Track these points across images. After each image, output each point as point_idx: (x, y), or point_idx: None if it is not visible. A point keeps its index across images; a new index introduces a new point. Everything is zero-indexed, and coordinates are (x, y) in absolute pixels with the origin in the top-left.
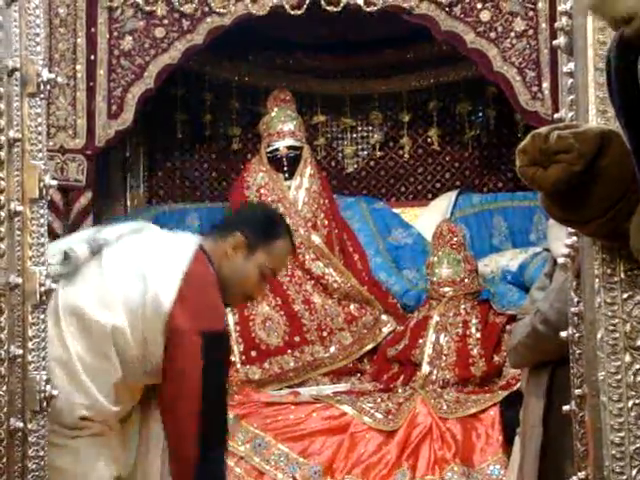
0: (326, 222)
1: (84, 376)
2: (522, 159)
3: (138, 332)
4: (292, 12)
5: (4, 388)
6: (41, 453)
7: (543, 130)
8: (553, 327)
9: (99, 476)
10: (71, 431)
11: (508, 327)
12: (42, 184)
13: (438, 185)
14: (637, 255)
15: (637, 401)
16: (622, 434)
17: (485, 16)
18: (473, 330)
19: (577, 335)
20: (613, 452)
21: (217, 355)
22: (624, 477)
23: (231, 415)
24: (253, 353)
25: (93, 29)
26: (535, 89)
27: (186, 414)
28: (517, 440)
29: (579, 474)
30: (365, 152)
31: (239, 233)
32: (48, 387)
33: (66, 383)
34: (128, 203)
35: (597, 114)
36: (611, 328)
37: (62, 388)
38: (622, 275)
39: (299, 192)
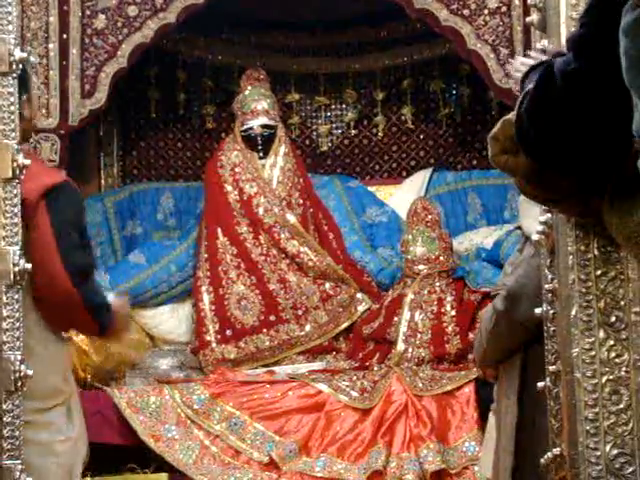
0: (301, 201)
1: None
2: (493, 147)
3: None
4: None
5: None
6: (16, 433)
7: (512, 116)
8: (516, 302)
9: None
10: None
11: (483, 306)
12: (15, 164)
13: (412, 163)
14: (611, 231)
15: (611, 377)
16: (596, 410)
17: None
18: (448, 308)
19: (551, 312)
20: (587, 428)
21: None
22: (598, 453)
23: (207, 394)
24: (228, 332)
25: (65, 7)
26: (508, 67)
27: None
28: (491, 416)
29: (554, 450)
30: (339, 130)
31: None
32: (23, 367)
33: None
34: (102, 182)
35: None
36: (585, 305)
37: None
38: (596, 252)
39: (273, 171)
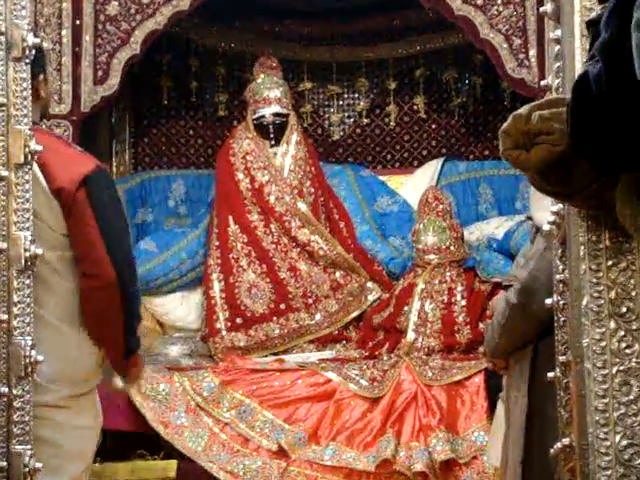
0: (312, 189)
1: None
2: (504, 142)
3: None
4: None
5: None
6: (26, 418)
7: (524, 110)
8: (530, 295)
9: None
10: None
11: (493, 296)
12: (27, 149)
13: (424, 153)
14: (623, 222)
15: (621, 368)
16: (606, 400)
17: None
18: (458, 297)
19: (562, 302)
20: (597, 418)
21: None
22: (608, 443)
23: (216, 381)
24: (238, 320)
25: None
26: (522, 56)
27: None
28: (499, 405)
29: (563, 440)
30: (351, 119)
31: None
32: (33, 352)
33: None
34: (114, 169)
35: None
36: (596, 295)
37: None
38: (607, 242)
39: (285, 159)
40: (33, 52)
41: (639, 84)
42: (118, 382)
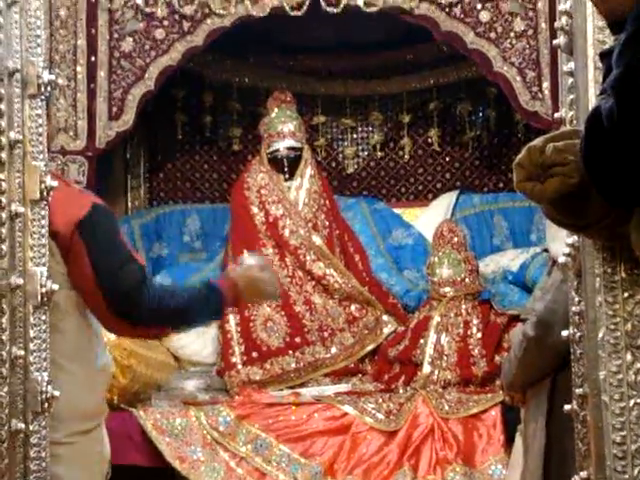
0: (327, 223)
1: None
2: (519, 174)
3: None
4: (292, 13)
5: (5, 389)
6: (42, 454)
7: (538, 142)
8: (548, 328)
9: None
10: None
11: (509, 329)
12: (43, 185)
13: (439, 185)
14: (639, 254)
15: (638, 400)
16: (624, 433)
17: (485, 16)
18: (474, 330)
19: (578, 334)
20: (615, 451)
21: None
22: (626, 476)
23: (232, 415)
24: (254, 354)
25: (93, 30)
26: (535, 89)
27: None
28: (518, 438)
29: (581, 473)
30: (365, 153)
31: None
32: (49, 388)
33: None
34: (129, 204)
35: None
36: (612, 327)
37: None
38: (623, 274)
39: (299, 193)
40: (49, 89)
41: None
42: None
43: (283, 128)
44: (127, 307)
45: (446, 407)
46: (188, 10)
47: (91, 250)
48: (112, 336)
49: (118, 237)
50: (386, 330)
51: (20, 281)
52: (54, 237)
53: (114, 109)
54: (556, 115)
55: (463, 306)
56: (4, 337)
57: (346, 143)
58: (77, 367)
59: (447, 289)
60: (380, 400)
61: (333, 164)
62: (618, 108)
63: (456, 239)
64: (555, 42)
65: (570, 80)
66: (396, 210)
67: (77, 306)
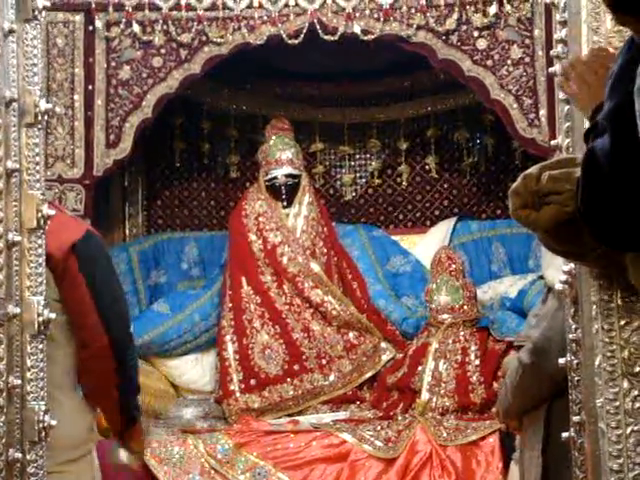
0: (325, 250)
1: None
2: (514, 202)
3: None
4: (289, 41)
5: (2, 418)
6: None
7: (534, 170)
8: (543, 356)
9: None
10: None
11: (508, 355)
12: (40, 214)
13: (436, 212)
14: (634, 282)
15: (635, 428)
16: (621, 461)
17: (482, 44)
18: (472, 357)
19: (575, 362)
20: (612, 479)
21: None
22: None
23: (231, 443)
24: (252, 382)
25: (91, 59)
26: (532, 116)
27: None
28: (513, 466)
29: None
30: (363, 180)
31: None
32: (47, 417)
33: None
34: (127, 232)
35: None
36: (609, 354)
37: None
38: (619, 301)
39: (297, 220)
40: (45, 117)
41: None
42: (123, 455)
43: (281, 155)
44: (122, 331)
45: (444, 434)
46: (185, 38)
47: (87, 273)
48: None
49: (112, 267)
50: (384, 357)
51: (17, 310)
52: (48, 261)
53: (111, 137)
54: (553, 142)
55: (461, 333)
56: (1, 366)
57: (344, 170)
58: (64, 395)
59: (445, 316)
60: (379, 427)
61: (331, 191)
62: (613, 140)
63: (454, 266)
64: (551, 69)
65: (566, 107)
66: (394, 237)
67: (66, 333)
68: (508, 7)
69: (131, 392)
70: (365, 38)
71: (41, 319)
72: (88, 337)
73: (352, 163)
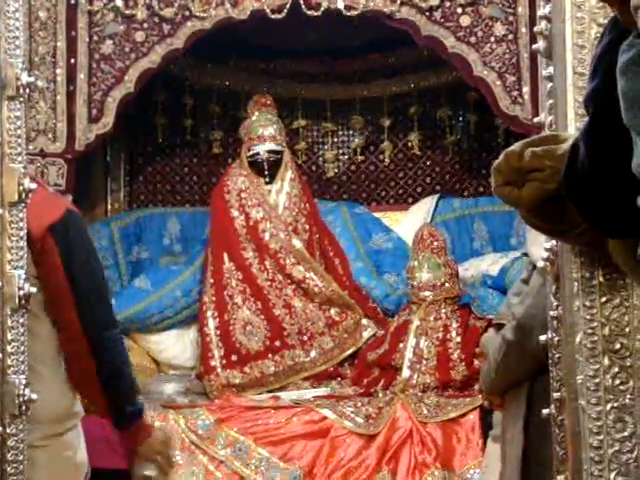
0: (307, 226)
1: None
2: (497, 179)
3: None
4: (273, 16)
5: None
6: (20, 457)
7: (516, 147)
8: (527, 333)
9: None
10: None
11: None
12: (21, 187)
13: (419, 190)
14: (616, 261)
15: (615, 404)
16: (601, 437)
17: (465, 21)
18: (453, 334)
19: (556, 339)
20: (592, 455)
21: None
22: None
23: (211, 419)
24: (233, 357)
25: (73, 33)
26: (515, 93)
27: None
28: (490, 443)
29: (558, 478)
30: (346, 156)
31: None
32: (27, 391)
33: None
34: (109, 207)
35: (576, 118)
36: (590, 332)
37: None
38: (601, 279)
39: (280, 196)
40: (27, 91)
41: (628, 132)
42: (148, 470)
43: (264, 131)
44: (96, 313)
45: (425, 411)
46: (168, 13)
47: (65, 254)
48: None
49: (91, 245)
50: (366, 334)
51: None
52: (27, 239)
53: (94, 112)
54: (535, 120)
55: (443, 310)
56: None
57: (326, 147)
58: (47, 370)
59: (427, 293)
60: (359, 404)
61: (313, 168)
62: (593, 120)
63: (436, 243)
64: (534, 46)
65: (549, 85)
66: (376, 214)
67: (44, 309)
68: None
69: (117, 382)
70: (348, 14)
71: (22, 293)
72: (63, 320)
73: (335, 140)
